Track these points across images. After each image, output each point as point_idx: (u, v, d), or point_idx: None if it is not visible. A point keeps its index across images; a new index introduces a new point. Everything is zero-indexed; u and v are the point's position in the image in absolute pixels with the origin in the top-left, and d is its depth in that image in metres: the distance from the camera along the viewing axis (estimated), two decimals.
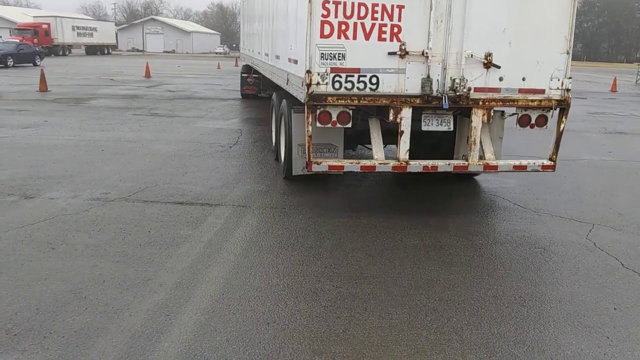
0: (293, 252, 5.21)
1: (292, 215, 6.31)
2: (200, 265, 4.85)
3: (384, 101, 5.98)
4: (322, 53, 5.77)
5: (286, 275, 4.69)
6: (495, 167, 6.43)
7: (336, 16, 5.75)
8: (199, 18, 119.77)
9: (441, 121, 6.38)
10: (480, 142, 6.41)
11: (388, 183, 8.25)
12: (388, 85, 5.94)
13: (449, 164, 6.32)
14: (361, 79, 5.88)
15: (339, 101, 5.88)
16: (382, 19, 5.84)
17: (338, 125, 6.08)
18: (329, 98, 5.85)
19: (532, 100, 6.28)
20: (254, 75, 16.73)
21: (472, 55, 5.99)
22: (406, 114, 6.03)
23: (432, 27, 5.90)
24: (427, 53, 5.90)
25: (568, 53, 6.25)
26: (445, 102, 5.97)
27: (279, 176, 8.03)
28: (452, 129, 6.47)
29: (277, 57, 8.56)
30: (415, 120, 6.21)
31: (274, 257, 5.09)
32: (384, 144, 6.68)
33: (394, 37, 5.86)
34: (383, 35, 5.85)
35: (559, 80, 6.27)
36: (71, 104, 16.24)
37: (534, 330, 3.92)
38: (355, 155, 9.28)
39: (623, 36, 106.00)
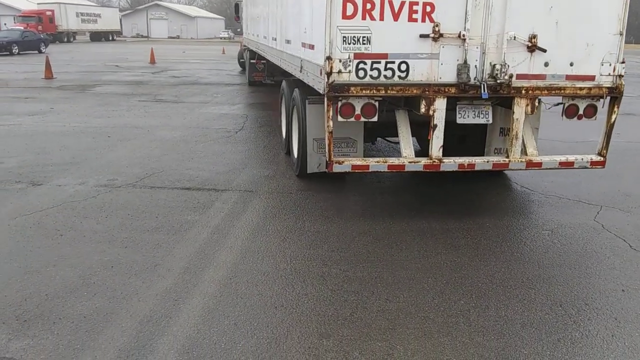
0: (300, 237, 5.22)
1: (298, 199, 6.30)
2: (207, 250, 4.87)
3: (415, 91, 5.30)
4: (344, 36, 5.07)
5: (293, 260, 4.70)
6: (539, 164, 5.75)
7: None
8: (203, 3, 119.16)
9: (478, 113, 5.70)
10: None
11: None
12: (419, 72, 5.25)
13: (487, 162, 5.70)
14: (389, 65, 5.20)
15: (364, 91, 5.21)
16: None
17: (362, 119, 5.43)
18: (352, 88, 5.19)
19: (581, 88, 5.57)
20: (262, 62, 16.05)
21: (515, 37, 5.29)
22: (440, 105, 5.36)
23: (470, 6, 5.20)
24: (464, 35, 5.20)
25: (621, 34, 5.52)
26: (484, 91, 5.29)
27: (285, 162, 8.02)
28: (490, 121, 5.80)
29: (288, 41, 7.77)
30: (447, 111, 5.56)
31: (281, 241, 5.10)
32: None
33: (427, 17, 5.16)
34: (414, 15, 5.14)
35: (610, 65, 5.55)
36: (77, 90, 16.26)
37: (541, 313, 3.92)
38: (377, 149, 8.79)
39: None
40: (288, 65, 7.82)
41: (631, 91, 18.65)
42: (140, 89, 16.78)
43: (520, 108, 5.55)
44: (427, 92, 5.30)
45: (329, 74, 5.12)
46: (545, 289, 4.28)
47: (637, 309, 4.01)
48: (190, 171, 7.44)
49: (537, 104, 5.59)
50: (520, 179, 7.36)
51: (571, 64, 5.50)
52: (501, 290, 4.24)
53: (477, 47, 5.30)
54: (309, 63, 5.99)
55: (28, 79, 19.22)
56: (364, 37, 5.11)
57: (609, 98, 5.71)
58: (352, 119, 5.45)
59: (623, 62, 5.62)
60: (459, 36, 5.23)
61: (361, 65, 5.16)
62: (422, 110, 5.36)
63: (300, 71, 6.57)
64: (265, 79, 16.16)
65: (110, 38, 64.73)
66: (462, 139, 6.65)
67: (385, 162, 5.53)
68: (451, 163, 5.55)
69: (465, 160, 5.62)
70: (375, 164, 5.52)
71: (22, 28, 40.00)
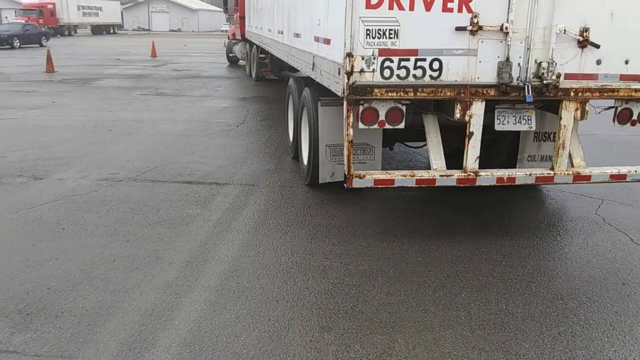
0: (301, 230, 5.23)
1: (300, 193, 6.31)
2: (209, 244, 4.88)
3: (448, 93, 4.63)
4: (367, 29, 4.40)
5: (294, 253, 4.71)
6: (587, 178, 5.09)
7: None
8: None
9: (520, 118, 5.05)
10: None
11: (397, 159, 8.23)
12: (454, 71, 4.60)
13: (529, 175, 5.02)
14: (419, 63, 4.54)
15: (389, 94, 4.56)
16: None
17: (387, 125, 4.79)
18: (376, 90, 4.52)
19: (637, 90, 4.92)
20: (265, 56, 15.67)
21: (565, 30, 4.63)
22: (477, 110, 4.70)
23: None
24: (507, 28, 4.54)
25: None
26: (528, 93, 4.64)
27: (286, 155, 8.02)
28: (534, 127, 5.12)
29: (297, 35, 7.10)
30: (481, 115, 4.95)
31: (282, 235, 5.10)
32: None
33: (463, 7, 4.49)
34: (449, 4, 4.48)
35: None
36: (78, 84, 16.25)
37: (542, 306, 3.93)
38: (393, 156, 8.11)
39: None
40: (297, 61, 7.19)
41: None
42: (141, 83, 16.76)
43: (568, 113, 4.89)
44: (463, 95, 4.66)
45: (349, 74, 4.46)
46: (546, 282, 4.29)
47: (638, 302, 4.02)
48: (191, 165, 7.44)
49: (587, 108, 4.95)
50: None
51: (626, 62, 4.87)
52: (502, 284, 4.25)
53: (521, 42, 4.65)
54: (324, 60, 5.35)
55: (29, 72, 19.20)
56: (390, 30, 4.44)
57: None
58: (375, 126, 4.79)
59: None
60: (501, 29, 4.56)
61: (387, 64, 4.51)
62: (457, 115, 4.72)
63: (313, 69, 5.90)
64: (269, 74, 15.78)
65: (112, 31, 64.66)
66: (488, 146, 5.68)
67: (413, 175, 4.82)
68: (489, 177, 4.89)
69: (504, 173, 4.97)
70: (402, 178, 4.81)
71: (23, 21, 39.93)
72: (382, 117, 4.76)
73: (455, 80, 4.63)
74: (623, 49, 4.83)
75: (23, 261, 4.48)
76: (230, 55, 22.36)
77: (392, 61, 4.51)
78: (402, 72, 4.54)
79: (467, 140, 4.79)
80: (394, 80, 4.54)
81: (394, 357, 3.32)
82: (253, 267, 4.43)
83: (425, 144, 5.16)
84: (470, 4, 4.50)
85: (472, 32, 4.55)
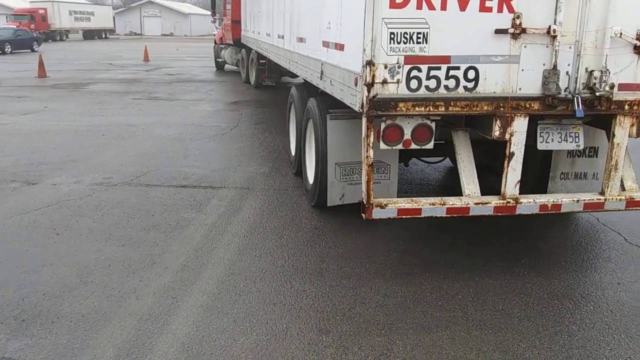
0: (297, 233, 5.22)
1: (295, 196, 6.30)
2: (205, 247, 4.87)
3: (486, 107, 4.00)
4: (391, 33, 3.76)
5: (291, 256, 4.71)
6: None
7: None
8: (195, 0, 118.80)
9: (566, 135, 4.45)
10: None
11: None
12: (492, 81, 3.96)
13: (577, 201, 4.37)
14: (452, 72, 3.89)
15: (417, 109, 3.92)
16: None
17: (413, 145, 4.15)
18: (401, 104, 3.88)
19: None
20: (262, 62, 14.99)
21: (621, 33, 3.99)
22: (520, 126, 4.08)
23: None
24: (554, 31, 3.90)
25: None
26: (579, 107, 4.02)
27: (282, 159, 8.01)
28: (582, 146, 4.54)
29: (301, 39, 6.47)
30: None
31: (278, 238, 5.10)
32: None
33: (504, 6, 3.87)
34: (487, 3, 3.84)
35: None
36: (70, 89, 16.18)
37: (538, 306, 3.94)
38: (408, 173, 7.36)
39: None
40: (301, 69, 6.51)
41: None
42: (134, 87, 16.72)
43: (623, 129, 4.27)
44: (502, 109, 4.03)
45: (369, 85, 3.82)
46: (541, 283, 4.30)
47: (633, 302, 4.04)
48: (186, 169, 7.43)
49: None
50: None
51: None
52: (498, 285, 4.26)
53: (569, 47, 4.01)
54: (335, 69, 4.72)
55: (21, 77, 19.11)
56: (419, 33, 3.80)
57: None
58: (400, 146, 4.15)
59: None
60: (548, 32, 3.92)
61: (414, 73, 3.86)
62: (496, 133, 4.08)
63: (321, 78, 5.28)
64: (266, 80, 15.29)
65: (104, 36, 64.39)
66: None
67: (444, 204, 4.17)
68: (531, 204, 4.27)
69: (548, 199, 4.32)
70: (430, 206, 4.16)
71: (14, 26, 39.72)
72: (407, 135, 4.12)
73: (494, 92, 3.99)
74: None
75: (17, 267, 4.45)
76: (218, 60, 21.83)
77: (420, 70, 3.87)
78: (432, 83, 3.90)
79: (506, 162, 4.16)
80: (422, 92, 3.90)
81: (393, 359, 3.32)
82: (250, 271, 4.42)
83: (443, 159, 4.77)
84: (512, 2, 3.88)
85: (514, 36, 3.91)
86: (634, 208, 4.52)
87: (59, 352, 3.33)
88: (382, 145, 4.13)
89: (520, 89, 4.01)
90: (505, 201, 4.22)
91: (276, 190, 6.52)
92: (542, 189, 5.17)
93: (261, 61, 14.85)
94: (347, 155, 5.20)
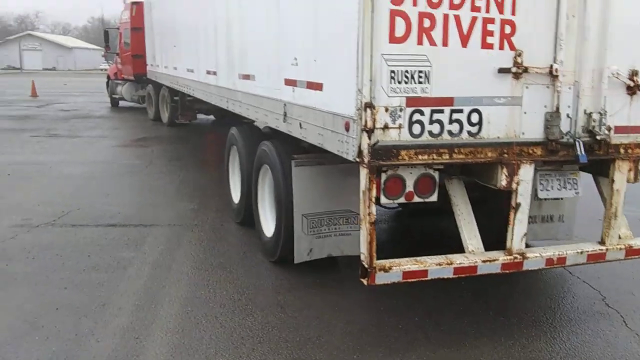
0: (244, 268, 5.23)
1: (232, 230, 6.31)
2: (154, 286, 4.76)
3: (490, 154, 3.70)
4: (392, 71, 3.38)
5: (245, 290, 4.71)
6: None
7: (415, 4, 3.38)
8: (79, 33, 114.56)
9: (564, 182, 4.24)
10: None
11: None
12: (496, 125, 3.67)
13: (580, 253, 4.10)
14: (455, 116, 3.58)
15: (420, 157, 3.55)
16: (487, 10, 3.55)
17: (416, 198, 3.77)
18: (404, 152, 3.51)
19: None
20: (175, 98, 14.32)
21: (618, 73, 3.85)
22: (526, 174, 3.80)
23: (563, 26, 3.69)
24: (556, 70, 3.69)
25: None
26: (581, 152, 3.79)
27: (208, 195, 7.96)
28: (580, 193, 4.34)
29: (247, 77, 5.97)
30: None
31: (228, 273, 5.08)
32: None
33: (505, 42, 3.61)
34: (489, 39, 3.58)
35: None
36: None
37: (491, 324, 4.23)
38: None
39: None
40: (249, 109, 6.02)
41: None
42: (29, 124, 15.86)
43: (621, 175, 4.07)
44: (506, 155, 3.74)
45: (369, 131, 3.38)
46: (490, 303, 4.58)
47: (566, 314, 4.45)
48: (110, 207, 7.18)
49: None
50: None
51: None
52: (454, 306, 4.49)
53: (569, 88, 3.79)
54: (310, 110, 4.24)
55: None
56: (420, 71, 3.45)
57: None
58: (402, 199, 3.75)
59: None
60: (551, 72, 3.70)
61: (416, 117, 3.49)
62: (502, 182, 3.77)
63: (284, 120, 4.82)
64: (179, 118, 14.65)
65: None
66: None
67: (451, 263, 3.76)
68: (537, 259, 3.98)
69: (553, 253, 4.04)
70: (437, 267, 3.73)
71: None
72: (409, 187, 3.72)
73: (498, 137, 3.70)
74: None
75: None
76: (114, 96, 20.46)
77: (422, 113, 3.50)
78: (435, 128, 3.54)
79: (512, 214, 3.87)
80: (425, 138, 3.53)
81: None
82: (208, 306, 4.39)
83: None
84: (513, 38, 3.62)
85: (516, 75, 3.66)
86: (634, 256, 4.33)
87: None
88: (383, 200, 3.68)
89: (523, 133, 3.76)
90: (512, 257, 3.92)
91: (211, 226, 6.49)
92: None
93: (175, 98, 14.35)
94: (315, 205, 4.74)
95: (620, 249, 4.21)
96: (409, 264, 3.68)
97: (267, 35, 5.26)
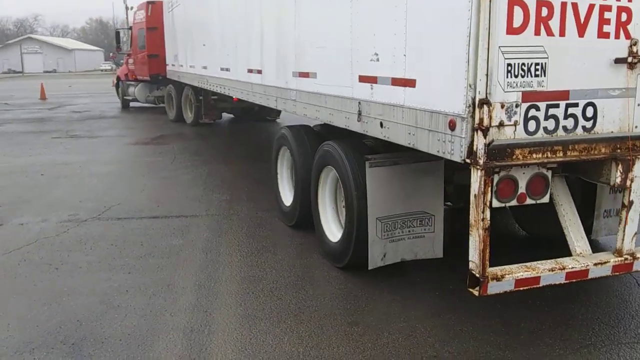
0: (286, 249, 5.67)
1: (267, 218, 6.71)
2: (209, 267, 5.21)
3: (603, 149, 3.53)
4: (509, 64, 3.19)
5: (292, 268, 5.17)
6: None
7: None
8: (77, 35, 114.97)
9: None
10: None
11: None
12: (610, 119, 3.51)
13: None
14: (570, 110, 3.41)
15: (534, 155, 3.37)
16: None
17: (528, 200, 3.58)
18: (518, 151, 3.32)
19: None
20: (200, 98, 14.30)
21: None
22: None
23: None
24: None
25: None
26: None
27: (238, 187, 8.40)
28: None
29: (304, 74, 5.70)
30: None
31: (272, 255, 5.52)
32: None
33: (621, 31, 3.42)
34: (605, 28, 3.38)
35: None
36: None
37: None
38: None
39: None
40: (309, 108, 5.71)
41: None
42: (46, 126, 16.30)
43: None
44: (619, 150, 3.55)
45: (485, 130, 3.19)
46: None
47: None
48: (148, 201, 7.63)
49: None
50: None
51: None
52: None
53: None
54: (397, 108, 4.03)
55: None
56: (537, 64, 3.26)
57: None
58: (514, 202, 3.54)
59: None
60: None
61: (532, 112, 3.31)
62: (617, 179, 3.56)
63: (359, 119, 4.62)
64: (203, 117, 14.59)
65: None
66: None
67: (563, 268, 3.59)
68: None
69: None
70: (550, 273, 3.56)
71: None
72: (522, 188, 3.52)
73: (611, 132, 3.53)
74: None
75: (34, 300, 4.57)
76: (126, 97, 20.31)
77: (538, 109, 3.32)
78: (550, 124, 3.36)
79: (625, 212, 3.65)
80: (540, 135, 3.36)
81: None
82: (262, 283, 4.83)
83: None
84: (629, 26, 3.43)
85: (631, 65, 3.47)
86: None
87: None
88: (495, 203, 3.46)
89: (636, 126, 3.58)
90: (622, 258, 3.73)
91: (247, 215, 6.91)
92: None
93: (199, 97, 14.39)
94: (389, 207, 4.55)
95: None
96: (520, 271, 3.51)
97: (335, 29, 4.95)
